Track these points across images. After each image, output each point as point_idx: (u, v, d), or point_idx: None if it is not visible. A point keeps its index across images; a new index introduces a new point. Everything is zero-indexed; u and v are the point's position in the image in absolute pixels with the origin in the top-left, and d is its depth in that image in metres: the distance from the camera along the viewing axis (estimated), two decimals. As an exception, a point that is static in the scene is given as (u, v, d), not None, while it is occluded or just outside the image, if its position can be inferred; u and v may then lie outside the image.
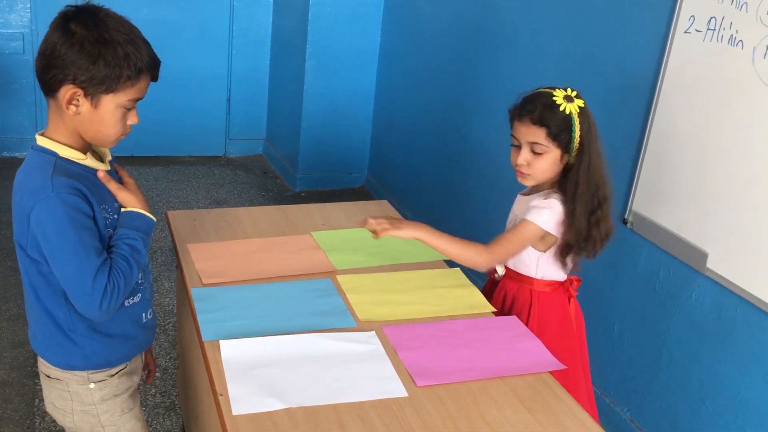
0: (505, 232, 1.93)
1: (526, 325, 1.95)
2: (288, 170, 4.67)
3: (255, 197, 4.46)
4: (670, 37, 2.34)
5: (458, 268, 2.06)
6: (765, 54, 2.03)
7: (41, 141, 1.51)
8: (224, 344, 1.61)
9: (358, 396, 1.51)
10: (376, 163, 4.62)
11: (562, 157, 1.86)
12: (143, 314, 1.65)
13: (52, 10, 1.56)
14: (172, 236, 2.10)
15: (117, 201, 1.57)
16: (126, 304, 1.58)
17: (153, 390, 2.72)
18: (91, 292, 1.43)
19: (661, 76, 2.38)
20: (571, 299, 2.05)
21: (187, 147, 4.89)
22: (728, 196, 2.15)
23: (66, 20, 1.44)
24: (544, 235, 1.90)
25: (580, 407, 1.56)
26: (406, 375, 1.59)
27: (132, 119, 1.53)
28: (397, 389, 1.54)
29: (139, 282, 1.60)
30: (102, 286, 1.44)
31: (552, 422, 1.50)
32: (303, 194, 4.56)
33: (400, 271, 2.02)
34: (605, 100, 2.69)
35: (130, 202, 1.57)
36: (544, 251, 1.94)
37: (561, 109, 1.82)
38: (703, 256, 2.23)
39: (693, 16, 2.26)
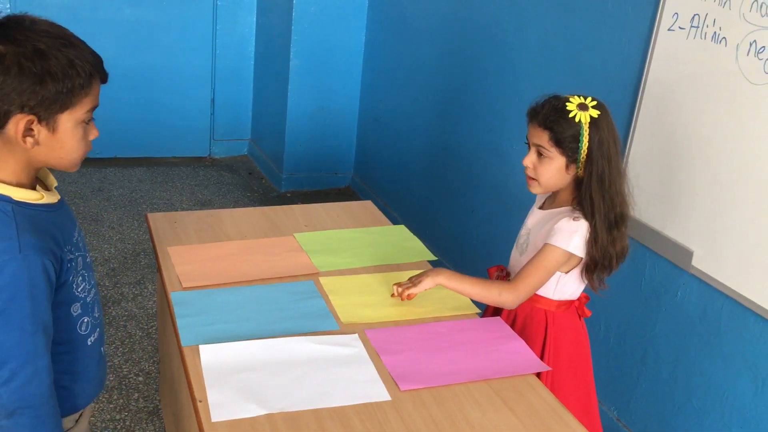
0: (529, 264, 1.81)
1: (542, 347, 1.88)
2: (273, 171, 4.64)
3: (240, 198, 4.43)
4: (653, 35, 2.33)
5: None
6: (748, 51, 2.02)
7: None
8: (204, 349, 1.58)
9: (341, 400, 1.48)
10: (361, 163, 4.60)
11: (568, 166, 1.79)
12: (101, 349, 1.53)
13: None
14: (152, 239, 2.07)
15: (76, 233, 1.44)
16: (89, 342, 1.47)
17: (136, 395, 2.68)
18: (14, 373, 1.27)
19: (645, 74, 2.37)
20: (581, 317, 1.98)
21: (171, 148, 4.85)
22: (713, 194, 2.15)
23: None
24: (570, 257, 1.82)
25: (564, 408, 1.54)
26: (389, 379, 1.57)
27: (92, 133, 1.37)
28: (379, 393, 1.52)
29: (96, 316, 1.49)
30: (28, 375, 1.28)
31: (536, 423, 1.49)
32: (288, 195, 4.53)
33: (383, 272, 2.00)
34: (590, 99, 2.68)
35: None
36: (567, 272, 1.86)
37: (571, 116, 1.75)
38: (688, 254, 2.23)
39: (676, 13, 2.25)
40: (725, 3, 2.09)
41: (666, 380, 2.38)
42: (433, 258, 2.10)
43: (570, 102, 1.77)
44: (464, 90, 3.44)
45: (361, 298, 1.85)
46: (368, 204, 2.46)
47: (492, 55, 3.21)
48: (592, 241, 1.78)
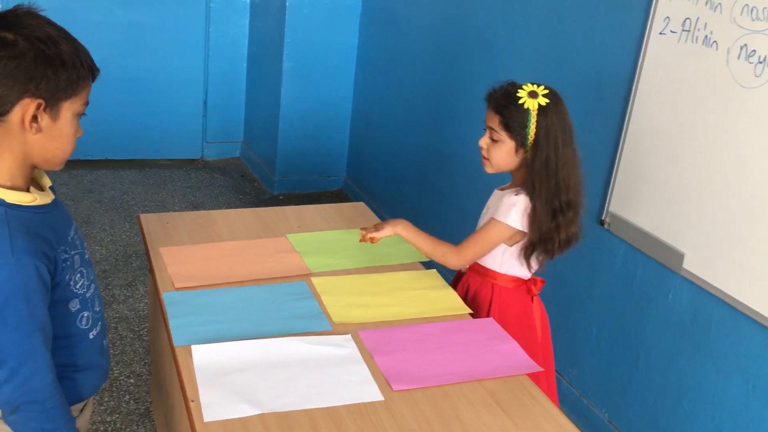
0: (475, 233, 1.97)
1: (487, 312, 1.99)
2: (266, 173, 4.63)
3: (232, 200, 4.42)
4: (645, 39, 2.34)
5: (435, 270, 2.04)
6: (739, 55, 2.04)
7: None
8: (196, 349, 1.58)
9: (333, 401, 1.48)
10: (354, 166, 4.60)
11: (517, 150, 1.90)
12: (103, 342, 1.55)
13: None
14: (144, 239, 2.06)
15: (72, 231, 1.44)
16: (91, 336, 1.48)
17: (127, 396, 2.67)
18: (15, 371, 1.29)
19: (636, 78, 2.38)
20: (534, 299, 2.05)
21: (164, 150, 4.83)
22: (704, 196, 2.16)
23: None
24: (513, 232, 1.92)
25: (557, 409, 1.55)
26: (382, 379, 1.57)
27: (79, 131, 1.38)
28: (372, 393, 1.52)
29: (97, 310, 1.51)
30: (29, 372, 1.30)
31: (528, 424, 1.49)
32: (281, 197, 4.52)
33: (376, 273, 2.00)
34: (581, 101, 2.69)
35: None
36: (511, 246, 1.96)
37: (520, 102, 1.86)
38: (679, 256, 2.24)
39: (668, 17, 2.27)
40: (716, 7, 2.10)
41: (657, 383, 2.38)
42: (426, 259, 2.10)
43: (522, 89, 1.88)
44: (457, 92, 3.45)
45: (354, 298, 1.85)
46: (360, 205, 2.47)
47: (484, 58, 3.22)
48: (530, 221, 1.88)
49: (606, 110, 2.53)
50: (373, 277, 1.97)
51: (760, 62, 1.98)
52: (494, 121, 1.90)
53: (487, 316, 1.97)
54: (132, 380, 2.76)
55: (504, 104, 1.88)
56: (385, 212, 4.08)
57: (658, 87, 2.31)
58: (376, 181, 4.29)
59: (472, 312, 1.87)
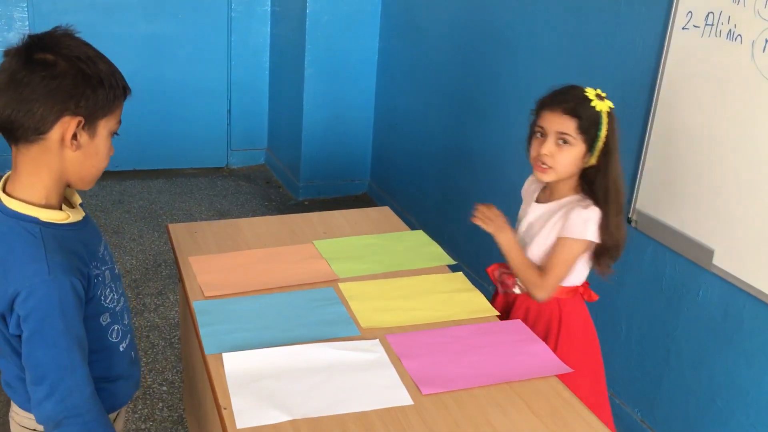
0: (551, 259, 1.88)
1: (556, 337, 1.92)
2: (290, 179, 4.66)
3: (258, 207, 4.46)
4: (668, 34, 2.33)
5: (461, 273, 2.04)
6: (764, 48, 2.02)
7: (14, 205, 1.33)
8: (227, 357, 1.60)
9: (363, 405, 1.49)
10: (378, 170, 4.61)
11: (584, 155, 1.84)
12: (132, 353, 1.58)
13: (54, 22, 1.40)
14: (173, 249, 2.09)
15: (102, 247, 1.47)
16: (121, 348, 1.51)
17: (160, 404, 2.71)
18: (54, 386, 1.31)
19: (660, 74, 2.37)
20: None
21: (190, 159, 4.89)
22: (731, 191, 2.13)
23: (33, 52, 1.28)
24: (588, 244, 1.88)
25: (589, 410, 1.54)
26: (411, 383, 1.57)
27: (111, 149, 1.41)
28: (402, 397, 1.52)
29: (126, 323, 1.54)
30: (68, 387, 1.31)
31: (560, 426, 1.49)
32: (306, 203, 4.55)
33: (402, 277, 2.01)
34: (605, 99, 2.68)
35: None
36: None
37: (592, 104, 1.82)
38: (708, 253, 2.21)
39: (690, 11, 2.25)
40: (739, 0, 2.08)
41: (689, 381, 2.36)
42: (452, 262, 2.10)
43: (588, 92, 1.84)
44: (478, 94, 3.45)
45: (381, 303, 1.86)
46: (386, 210, 2.48)
47: (505, 58, 3.21)
48: (604, 227, 1.84)
49: (630, 108, 2.51)
50: (399, 281, 1.98)
51: (786, 55, 1.96)
52: (569, 126, 1.82)
53: (557, 333, 1.92)
54: (165, 388, 2.80)
55: (579, 107, 1.82)
56: (410, 214, 4.09)
57: (683, 83, 2.29)
58: (400, 184, 4.30)
59: (499, 314, 1.87)
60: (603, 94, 1.86)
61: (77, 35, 1.36)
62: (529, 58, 3.05)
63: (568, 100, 1.83)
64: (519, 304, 1.99)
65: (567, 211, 1.87)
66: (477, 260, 3.50)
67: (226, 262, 2.01)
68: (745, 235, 2.09)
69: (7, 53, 1.32)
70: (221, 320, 1.74)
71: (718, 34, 2.16)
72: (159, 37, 4.54)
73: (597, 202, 1.85)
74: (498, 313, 1.87)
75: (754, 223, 2.07)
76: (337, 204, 4.48)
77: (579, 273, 1.94)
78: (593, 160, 1.85)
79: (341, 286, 1.93)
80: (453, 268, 2.09)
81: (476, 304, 1.89)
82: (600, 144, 1.83)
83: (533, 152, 1.89)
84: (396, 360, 1.64)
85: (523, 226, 2.00)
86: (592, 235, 1.84)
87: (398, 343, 1.70)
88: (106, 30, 4.33)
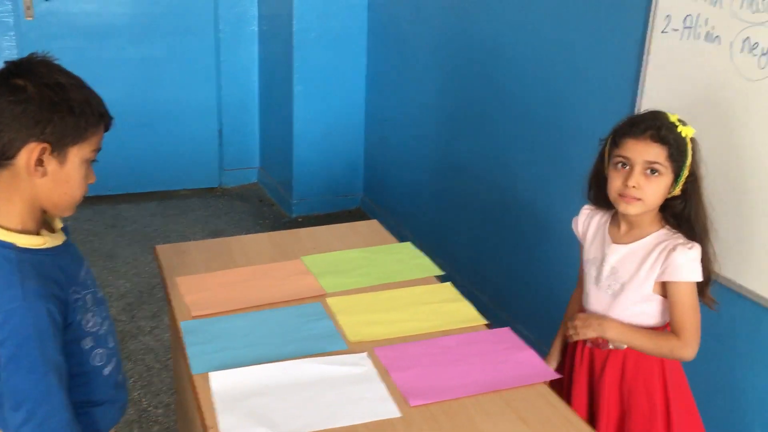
0: (679, 311, 1.74)
1: (664, 382, 1.81)
2: (283, 197, 4.67)
3: (252, 226, 4.46)
4: (647, 38, 2.34)
5: (449, 283, 2.04)
6: (742, 48, 2.03)
7: None
8: (213, 376, 1.59)
9: (351, 419, 1.49)
10: (371, 184, 4.62)
11: (671, 184, 1.72)
12: (118, 377, 1.57)
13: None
14: (160, 271, 2.09)
15: (83, 272, 1.47)
16: (105, 372, 1.51)
17: (156, 427, 2.70)
18: (32, 413, 1.31)
19: (642, 78, 2.38)
20: None
21: (182, 180, 4.90)
22: (716, 191, 2.13)
23: (6, 78, 1.30)
24: None
25: (578, 417, 1.53)
26: (399, 395, 1.57)
27: (91, 177, 1.41)
28: (389, 410, 1.52)
29: (111, 347, 1.53)
30: (45, 413, 1.31)
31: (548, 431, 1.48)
32: (300, 219, 4.55)
33: (390, 289, 2.00)
34: (587, 106, 2.69)
35: None
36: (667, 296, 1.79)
37: (678, 130, 1.71)
38: (697, 254, 2.21)
39: (669, 15, 2.26)
40: (716, 2, 2.09)
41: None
42: (441, 273, 2.10)
43: (671, 117, 1.73)
44: (467, 105, 3.46)
45: (369, 316, 1.85)
46: (374, 223, 2.48)
47: (492, 69, 3.23)
48: (705, 262, 1.74)
49: (612, 113, 2.52)
50: (387, 293, 1.98)
51: (764, 54, 1.97)
52: (659, 154, 1.69)
53: (664, 381, 1.81)
54: (161, 410, 2.78)
55: (667, 134, 1.69)
56: (405, 228, 4.09)
57: (664, 86, 2.30)
58: (394, 197, 4.30)
59: (488, 323, 1.87)
60: (683, 120, 1.74)
61: (55, 62, 1.37)
62: (516, 68, 3.07)
63: (655, 126, 1.70)
64: (612, 363, 1.83)
65: (667, 252, 1.72)
66: (473, 270, 3.50)
67: (213, 281, 2.01)
68: (730, 236, 2.09)
69: None
70: (208, 339, 1.73)
71: (696, 37, 2.17)
72: (148, 61, 4.56)
73: (693, 237, 1.74)
74: (486, 322, 1.86)
75: (738, 225, 2.07)
76: (331, 219, 4.49)
77: (665, 313, 1.80)
78: (677, 190, 1.73)
79: (329, 300, 1.92)
80: (444, 279, 2.08)
81: (464, 314, 1.89)
82: (686, 172, 1.71)
83: (615, 185, 1.74)
84: (384, 372, 1.64)
85: (605, 270, 1.82)
86: (699, 274, 1.72)
87: (386, 355, 1.69)
88: (95, 55, 4.36)
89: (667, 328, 1.83)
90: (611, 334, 1.78)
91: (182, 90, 4.69)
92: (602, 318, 1.80)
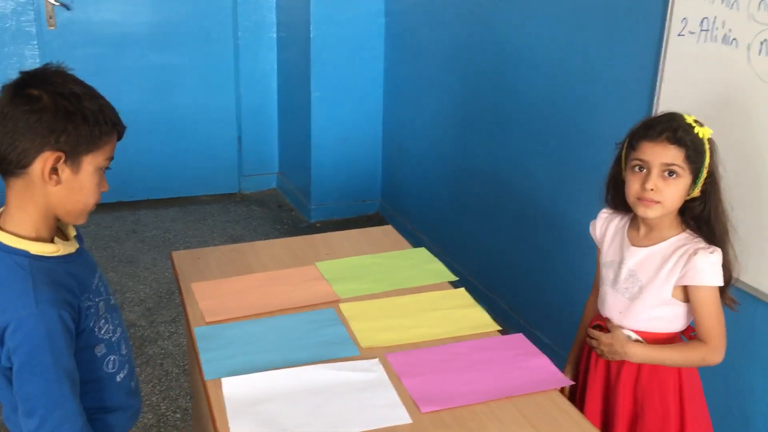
0: (705, 319, 1.71)
1: (679, 392, 1.78)
2: (302, 202, 4.69)
3: (271, 231, 4.48)
4: (664, 42, 2.32)
5: (463, 289, 2.03)
6: (760, 50, 2.00)
7: (5, 238, 1.36)
8: (226, 381, 1.60)
9: (362, 426, 1.49)
10: (389, 189, 4.62)
11: (690, 186, 1.70)
12: (131, 383, 1.59)
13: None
14: (176, 277, 2.11)
15: (96, 279, 1.48)
16: (118, 379, 1.52)
17: None
18: (44, 419, 1.32)
19: (658, 81, 2.36)
20: None
21: (202, 186, 4.94)
22: (731, 195, 2.10)
23: (21, 88, 1.33)
24: None
25: (588, 422, 1.52)
26: (411, 402, 1.56)
27: (104, 185, 1.43)
28: (401, 416, 1.52)
29: (124, 353, 1.55)
30: (58, 419, 1.33)
31: (561, 440, 1.47)
32: (318, 225, 4.57)
33: (403, 295, 2.00)
34: (604, 110, 2.67)
35: None
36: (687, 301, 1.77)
37: (695, 131, 1.68)
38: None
39: (685, 18, 2.24)
40: (733, 4, 2.07)
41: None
42: (454, 278, 2.09)
43: (687, 118, 1.70)
44: (484, 110, 3.45)
45: (382, 322, 1.85)
46: (389, 229, 2.48)
47: (508, 74, 3.22)
48: (726, 265, 1.72)
49: (630, 116, 2.50)
50: (400, 299, 1.97)
51: (781, 56, 1.94)
52: (677, 156, 1.66)
53: (679, 388, 1.78)
54: (179, 415, 2.80)
55: (684, 135, 1.67)
56: (422, 233, 4.09)
57: (681, 89, 2.28)
58: (412, 202, 4.30)
59: (501, 329, 1.86)
60: (700, 121, 1.72)
61: (69, 72, 1.39)
62: (532, 73, 3.06)
63: (671, 128, 1.68)
64: (627, 370, 1.81)
65: (687, 256, 1.70)
66: (491, 276, 3.49)
67: (228, 287, 2.02)
68: (746, 238, 2.06)
69: (2, 89, 1.36)
70: (221, 345, 1.75)
71: (713, 39, 2.15)
72: (168, 68, 4.60)
73: (714, 240, 1.72)
74: (499, 328, 1.85)
75: (754, 227, 2.04)
76: (350, 225, 4.49)
77: (684, 317, 1.78)
78: (696, 192, 1.71)
79: (342, 306, 1.93)
80: (461, 284, 2.07)
81: (477, 320, 1.88)
82: (704, 173, 1.69)
83: (633, 188, 1.71)
84: (396, 379, 1.64)
85: (623, 272, 1.80)
86: (721, 279, 1.69)
87: (398, 361, 1.69)
88: (116, 63, 4.41)
89: (682, 335, 1.80)
90: (637, 359, 1.76)
91: (202, 97, 4.73)
92: (625, 343, 1.77)
